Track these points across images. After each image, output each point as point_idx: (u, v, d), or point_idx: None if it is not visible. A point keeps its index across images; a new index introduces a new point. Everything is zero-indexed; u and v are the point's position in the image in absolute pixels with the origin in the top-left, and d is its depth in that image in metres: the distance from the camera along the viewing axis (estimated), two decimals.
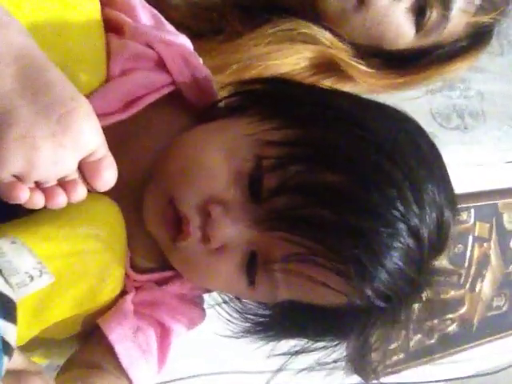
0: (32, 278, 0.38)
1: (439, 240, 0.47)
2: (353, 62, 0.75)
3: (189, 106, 0.55)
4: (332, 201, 0.43)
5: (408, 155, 0.45)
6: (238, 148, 0.46)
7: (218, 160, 0.46)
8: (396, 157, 0.44)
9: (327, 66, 0.76)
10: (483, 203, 1.35)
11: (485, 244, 1.39)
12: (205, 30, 0.75)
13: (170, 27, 0.57)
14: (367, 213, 0.43)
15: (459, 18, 0.76)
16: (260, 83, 0.54)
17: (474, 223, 1.35)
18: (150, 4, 0.57)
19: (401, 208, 0.43)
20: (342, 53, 0.74)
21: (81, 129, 0.37)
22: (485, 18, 0.77)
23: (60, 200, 0.39)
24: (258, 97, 0.52)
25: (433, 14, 0.74)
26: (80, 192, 0.40)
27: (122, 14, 0.53)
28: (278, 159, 0.44)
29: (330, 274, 0.43)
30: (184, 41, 0.55)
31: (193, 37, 0.57)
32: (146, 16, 0.55)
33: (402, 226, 0.43)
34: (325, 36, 0.73)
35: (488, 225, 1.38)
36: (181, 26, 0.59)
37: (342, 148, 0.44)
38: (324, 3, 0.72)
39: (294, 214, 0.43)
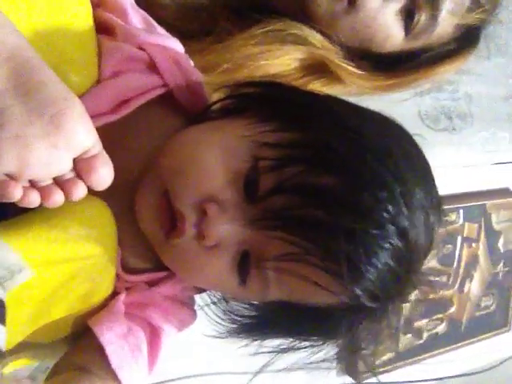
0: (12, 274, 0.38)
1: (426, 242, 0.48)
2: (343, 64, 0.75)
3: (180, 109, 0.55)
4: (326, 202, 0.43)
5: (399, 160, 0.46)
6: (235, 148, 0.47)
7: (216, 159, 0.47)
8: (388, 161, 0.45)
9: (317, 67, 0.76)
10: (472, 204, 1.36)
11: (473, 244, 1.40)
12: (195, 30, 0.75)
13: (161, 30, 0.57)
14: (359, 214, 0.43)
15: (448, 21, 0.76)
16: (256, 87, 0.55)
17: (463, 224, 1.36)
18: (139, 4, 0.57)
19: (391, 210, 0.44)
20: (332, 54, 0.75)
21: (74, 129, 0.37)
22: (473, 20, 0.78)
23: (56, 198, 0.39)
24: (255, 100, 0.53)
25: (422, 18, 0.74)
26: (81, 189, 0.39)
27: (113, 16, 0.53)
28: (274, 161, 0.45)
29: (321, 273, 0.44)
30: (176, 44, 0.56)
31: (183, 37, 0.57)
32: (137, 19, 0.55)
33: (392, 227, 0.44)
34: (315, 37, 0.73)
35: (476, 225, 1.39)
36: (170, 27, 0.59)
37: (337, 151, 0.45)
38: (314, 5, 0.72)
39: (289, 214, 0.44)
